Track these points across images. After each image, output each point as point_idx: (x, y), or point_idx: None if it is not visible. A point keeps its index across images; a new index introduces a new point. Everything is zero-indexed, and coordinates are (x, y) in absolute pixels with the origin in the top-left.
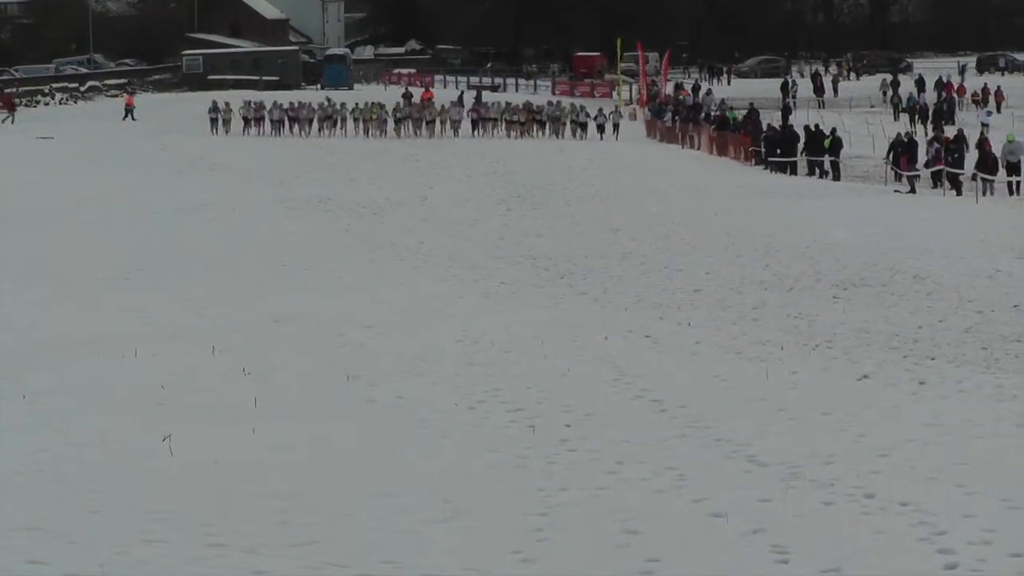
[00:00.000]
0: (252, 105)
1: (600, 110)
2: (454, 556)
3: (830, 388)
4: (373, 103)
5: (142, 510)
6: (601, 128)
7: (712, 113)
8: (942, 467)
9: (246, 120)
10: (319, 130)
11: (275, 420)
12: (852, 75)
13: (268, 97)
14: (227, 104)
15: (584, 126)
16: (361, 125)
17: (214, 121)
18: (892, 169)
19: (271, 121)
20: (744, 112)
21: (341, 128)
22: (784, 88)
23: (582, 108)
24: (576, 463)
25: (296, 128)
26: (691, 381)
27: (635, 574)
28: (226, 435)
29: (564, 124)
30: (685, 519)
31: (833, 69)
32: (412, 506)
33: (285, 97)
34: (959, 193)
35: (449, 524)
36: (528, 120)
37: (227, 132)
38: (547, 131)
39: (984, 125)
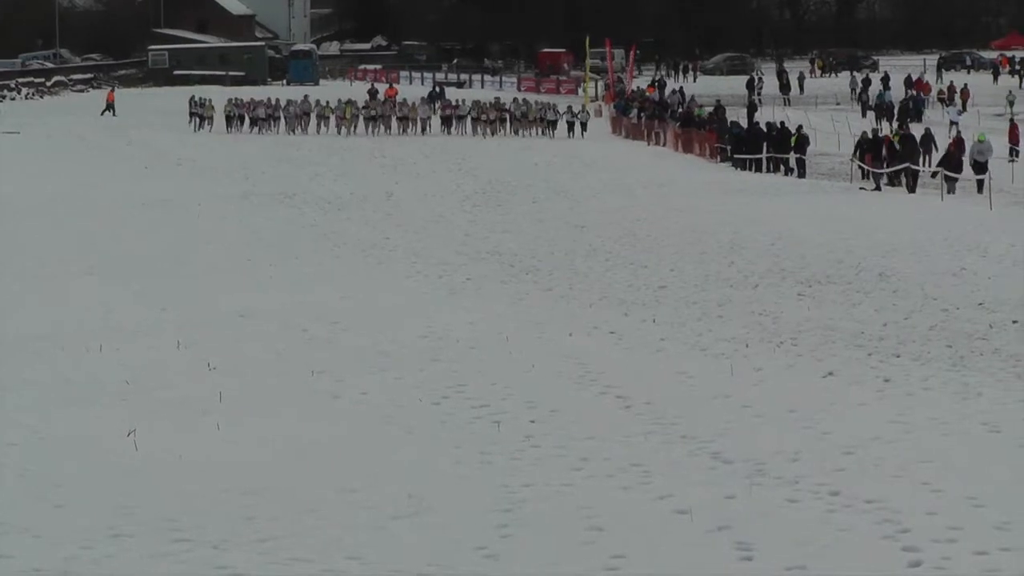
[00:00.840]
0: (235, 102)
1: (569, 108)
2: (419, 552)
3: (795, 385)
4: (348, 100)
5: (107, 505)
6: (570, 126)
7: (678, 110)
8: (907, 465)
9: (230, 118)
10: (294, 129)
11: (240, 415)
12: (830, 73)
13: (249, 95)
14: (208, 101)
15: (553, 124)
16: (333, 122)
17: (194, 116)
18: (859, 167)
19: (257, 119)
20: (710, 109)
21: (323, 125)
22: (750, 85)
23: (552, 106)
24: (541, 459)
25: (280, 126)
26: (656, 378)
27: (600, 570)
28: (191, 430)
29: (531, 122)
30: (650, 516)
31: (811, 65)
32: (377, 502)
33: (257, 94)
34: (911, 191)
35: (414, 520)
36: (497, 118)
37: (209, 129)
38: (512, 129)
39: (953, 123)
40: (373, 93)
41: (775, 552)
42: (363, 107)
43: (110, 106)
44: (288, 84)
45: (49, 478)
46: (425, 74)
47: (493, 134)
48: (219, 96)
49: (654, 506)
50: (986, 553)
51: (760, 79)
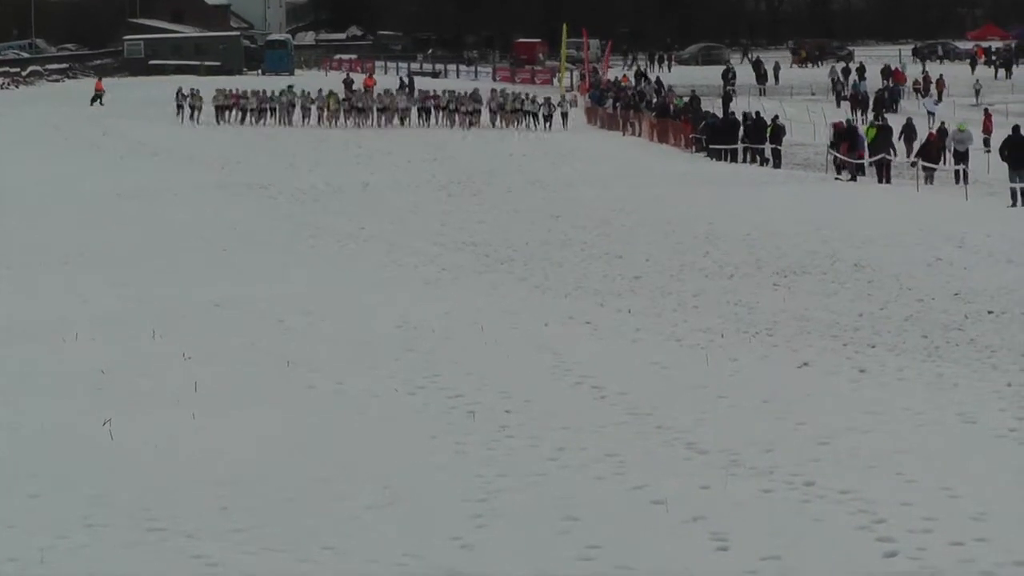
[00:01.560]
0: (225, 93)
1: (548, 100)
2: (394, 542)
3: (770, 376)
4: (330, 92)
5: (82, 495)
6: (548, 118)
7: (653, 100)
8: (882, 455)
9: (219, 109)
10: (285, 120)
11: (215, 405)
12: (814, 63)
13: (234, 85)
14: (195, 91)
15: (533, 116)
16: (315, 113)
17: (180, 108)
18: (836, 158)
19: (247, 111)
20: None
21: (306, 117)
22: (725, 75)
23: (532, 98)
24: (516, 450)
25: (270, 117)
26: (631, 368)
27: (575, 560)
28: (166, 420)
29: (509, 113)
30: (625, 506)
31: (793, 56)
32: (352, 492)
33: (241, 84)
34: (886, 181)
35: (388, 510)
36: (475, 110)
37: (197, 120)
38: (490, 120)
39: (930, 114)
40: (349, 83)
41: (750, 542)
42: (344, 98)
43: (98, 95)
44: (263, 74)
45: (24, 468)
46: (401, 64)
47: (471, 125)
48: (198, 86)
49: (629, 496)
50: (961, 544)
51: (733, 72)
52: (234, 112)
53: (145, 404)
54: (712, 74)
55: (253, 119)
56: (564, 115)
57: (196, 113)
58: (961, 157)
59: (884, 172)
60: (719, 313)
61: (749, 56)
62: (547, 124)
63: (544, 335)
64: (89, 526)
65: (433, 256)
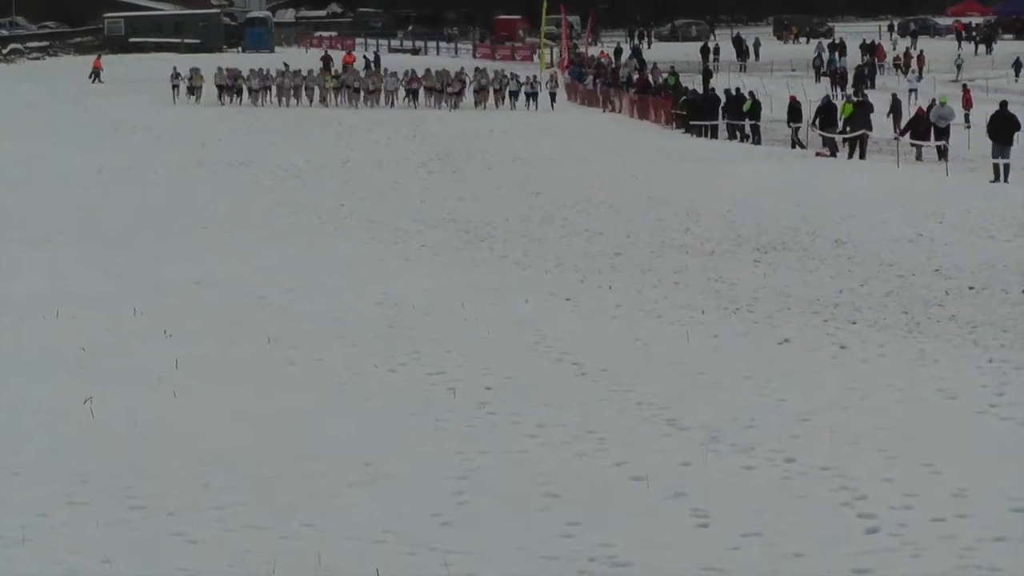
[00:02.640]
0: (226, 72)
1: (533, 78)
2: (375, 519)
3: (751, 352)
4: (324, 70)
5: (64, 473)
6: (534, 96)
7: (634, 76)
8: (863, 431)
9: (221, 88)
10: (286, 99)
11: (196, 383)
12: (804, 39)
13: (240, 63)
14: (196, 70)
15: (515, 95)
16: (317, 93)
17: (176, 88)
18: (819, 134)
19: (249, 90)
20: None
21: (306, 96)
22: (704, 52)
23: (513, 76)
24: (496, 426)
25: (272, 97)
26: (612, 344)
27: (555, 537)
28: (147, 398)
29: (489, 93)
30: (606, 483)
31: (784, 32)
32: (333, 469)
33: (241, 63)
34: (850, 157)
35: (370, 487)
36: (460, 91)
37: (198, 100)
38: (474, 101)
39: (912, 91)
40: (328, 61)
41: (731, 519)
42: (334, 75)
43: (96, 72)
44: (243, 51)
45: (5, 446)
46: (381, 41)
47: (456, 107)
48: (180, 63)
49: (610, 473)
50: (943, 520)
51: (715, 47)
52: (244, 92)
53: (126, 382)
54: (692, 50)
55: (254, 98)
56: (552, 95)
57: (197, 93)
58: (942, 133)
59: (860, 149)
60: (700, 290)
61: (710, 41)
62: (533, 103)
63: (525, 312)
64: (71, 504)
65: (413, 233)
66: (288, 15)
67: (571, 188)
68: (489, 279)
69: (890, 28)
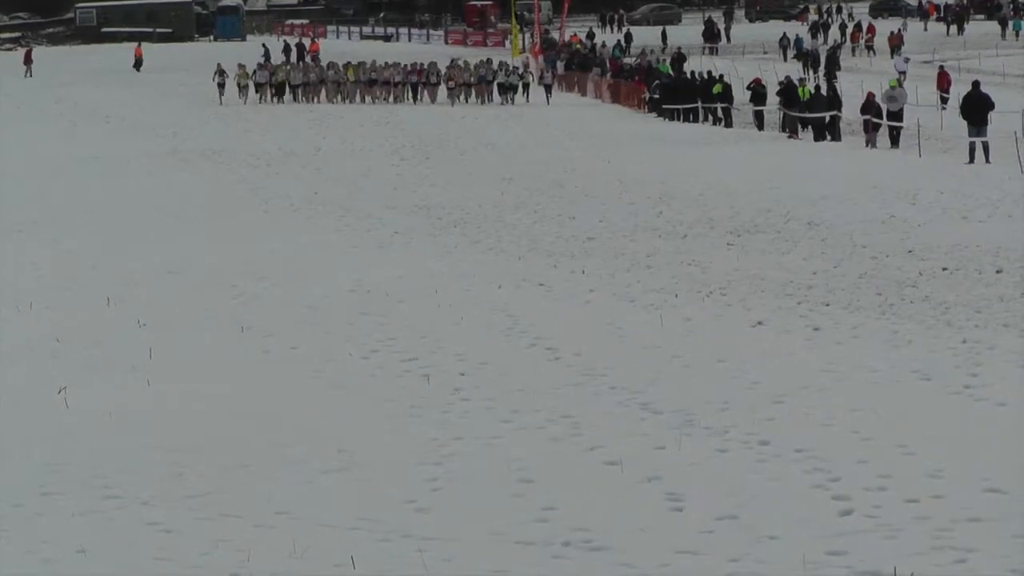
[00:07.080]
0: (247, 70)
1: (513, 68)
2: (349, 506)
3: (724, 335)
4: (347, 63)
5: (38, 463)
6: (511, 88)
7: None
8: (837, 413)
9: (259, 86)
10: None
11: (170, 372)
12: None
13: (213, 52)
14: (242, 66)
15: (489, 84)
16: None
17: (222, 87)
18: (785, 114)
19: (291, 87)
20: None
21: (338, 93)
22: (664, 36)
23: (487, 62)
24: (470, 412)
25: (308, 93)
26: (585, 329)
27: (530, 522)
28: (121, 387)
29: (473, 86)
30: (580, 467)
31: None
32: (307, 456)
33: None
34: (816, 139)
35: (344, 474)
36: (438, 82)
37: (244, 100)
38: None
39: (901, 72)
40: (296, 48)
41: (706, 502)
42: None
43: (139, 61)
44: (215, 40)
45: None
46: (352, 28)
47: (433, 100)
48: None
49: (584, 457)
50: (917, 501)
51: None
52: (285, 90)
53: (100, 371)
54: (672, 33)
55: (295, 96)
56: (526, 86)
57: (243, 92)
58: (894, 116)
59: (822, 132)
60: (672, 273)
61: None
62: (510, 94)
63: (498, 297)
64: (45, 494)
65: (386, 220)
66: (260, 3)
67: (543, 173)
68: (462, 265)
69: (838, 10)
